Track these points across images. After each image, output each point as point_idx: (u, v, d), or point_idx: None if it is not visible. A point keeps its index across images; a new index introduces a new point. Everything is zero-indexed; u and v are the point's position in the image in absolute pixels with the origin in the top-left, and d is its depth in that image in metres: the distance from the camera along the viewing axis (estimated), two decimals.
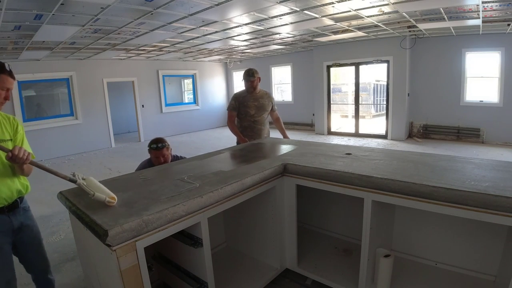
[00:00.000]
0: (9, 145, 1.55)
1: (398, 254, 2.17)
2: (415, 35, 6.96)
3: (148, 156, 2.69)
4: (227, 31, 5.50)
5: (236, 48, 8.06)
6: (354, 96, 8.66)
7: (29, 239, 1.67)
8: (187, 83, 11.24)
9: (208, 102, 11.26)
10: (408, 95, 7.55)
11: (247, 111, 3.19)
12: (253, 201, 2.01)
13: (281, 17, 4.63)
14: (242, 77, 3.24)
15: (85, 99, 8.07)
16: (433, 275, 2.01)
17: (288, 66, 10.02)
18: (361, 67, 8.19)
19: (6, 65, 1.50)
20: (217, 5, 3.73)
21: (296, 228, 2.13)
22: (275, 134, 3.47)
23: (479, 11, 4.56)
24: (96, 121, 8.31)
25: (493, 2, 4.10)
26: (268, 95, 3.33)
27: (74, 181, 1.43)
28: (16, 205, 1.58)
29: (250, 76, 3.13)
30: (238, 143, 3.24)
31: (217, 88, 11.63)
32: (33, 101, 7.71)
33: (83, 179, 1.45)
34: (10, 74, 1.52)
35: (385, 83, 7.84)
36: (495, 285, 1.82)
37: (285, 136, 3.42)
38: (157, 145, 2.54)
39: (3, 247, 1.52)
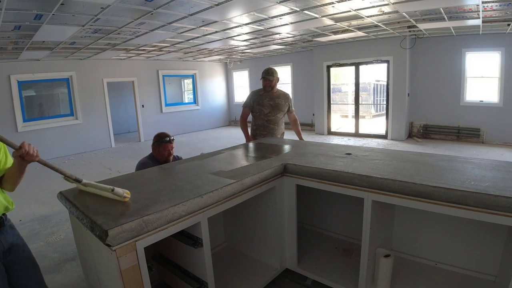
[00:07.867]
0: None
1: (398, 254, 2.16)
2: (415, 35, 6.96)
3: (149, 151, 2.69)
4: (227, 31, 5.50)
5: (236, 48, 8.06)
6: (354, 96, 8.66)
7: (21, 260, 1.45)
8: (187, 83, 11.24)
9: (208, 102, 11.26)
10: (408, 95, 7.55)
11: (261, 110, 3.21)
12: (253, 201, 2.01)
13: (281, 17, 4.63)
14: (261, 75, 3.24)
15: (85, 99, 8.06)
16: (433, 275, 2.00)
17: (288, 66, 10.01)
18: (361, 67, 8.19)
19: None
20: (217, 5, 3.73)
21: (296, 228, 2.13)
22: (289, 135, 3.45)
23: (479, 11, 4.56)
24: (96, 121, 8.31)
25: (493, 2, 4.10)
26: (286, 96, 3.30)
27: (79, 181, 1.53)
28: (2, 223, 1.39)
29: (269, 75, 3.16)
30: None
31: (217, 88, 11.63)
32: (33, 101, 7.70)
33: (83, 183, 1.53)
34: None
35: (385, 83, 7.84)
36: (495, 285, 1.82)
37: (300, 139, 3.39)
38: (170, 138, 2.61)
39: None
